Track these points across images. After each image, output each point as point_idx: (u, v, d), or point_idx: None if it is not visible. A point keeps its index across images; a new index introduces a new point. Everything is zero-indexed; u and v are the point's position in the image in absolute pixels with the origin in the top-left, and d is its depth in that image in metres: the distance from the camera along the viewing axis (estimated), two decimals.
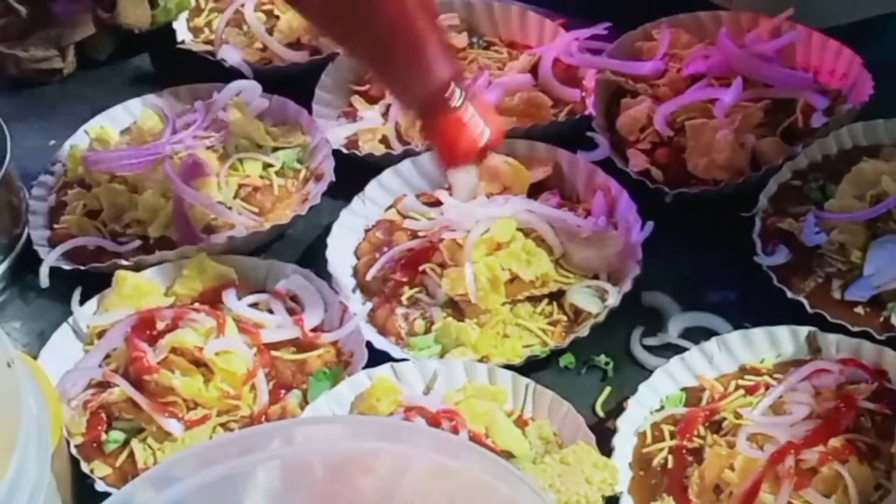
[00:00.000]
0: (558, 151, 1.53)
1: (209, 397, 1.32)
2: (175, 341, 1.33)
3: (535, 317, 1.40)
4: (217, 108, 1.61)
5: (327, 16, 1.28)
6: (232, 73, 1.71)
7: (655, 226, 1.41)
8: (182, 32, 1.82)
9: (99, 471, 1.30)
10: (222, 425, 1.32)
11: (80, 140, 1.64)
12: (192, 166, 1.54)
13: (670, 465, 1.25)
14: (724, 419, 1.26)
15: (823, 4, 1.66)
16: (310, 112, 1.64)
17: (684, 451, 1.25)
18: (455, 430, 1.24)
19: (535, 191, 1.50)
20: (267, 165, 1.59)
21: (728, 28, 1.59)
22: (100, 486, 1.28)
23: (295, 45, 1.75)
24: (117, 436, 1.32)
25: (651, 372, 1.32)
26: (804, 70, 1.58)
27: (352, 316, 1.39)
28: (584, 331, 1.36)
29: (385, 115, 1.64)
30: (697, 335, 1.38)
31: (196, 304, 1.42)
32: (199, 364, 1.34)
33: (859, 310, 1.35)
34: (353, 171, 1.55)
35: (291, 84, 1.67)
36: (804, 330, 1.32)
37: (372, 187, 1.53)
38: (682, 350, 1.34)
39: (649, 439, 1.28)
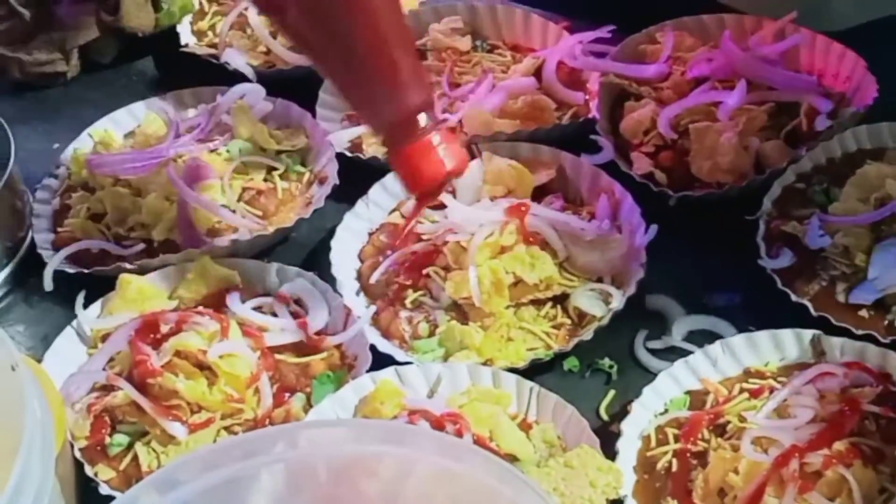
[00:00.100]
0: (562, 154, 1.53)
1: (213, 401, 1.32)
2: (179, 345, 1.33)
3: (538, 320, 1.40)
4: (221, 112, 1.61)
5: (302, 32, 1.26)
6: (235, 77, 1.71)
7: (659, 229, 1.41)
8: (186, 36, 1.82)
9: (103, 474, 1.30)
10: (226, 429, 1.32)
11: (83, 143, 1.64)
12: (196, 169, 1.54)
13: (674, 468, 1.25)
14: (729, 422, 1.26)
15: (834, 7, 1.65)
16: (313, 115, 1.64)
17: (688, 455, 1.25)
18: (459, 434, 1.24)
19: (538, 194, 1.50)
20: (271, 169, 1.59)
21: (732, 31, 1.59)
22: (103, 490, 1.28)
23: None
24: (121, 439, 1.32)
25: (655, 375, 1.32)
26: (808, 73, 1.58)
27: (356, 319, 1.39)
28: (588, 334, 1.36)
29: None
30: (701, 338, 1.38)
31: (200, 308, 1.42)
32: (203, 367, 1.34)
33: (863, 313, 1.35)
34: (357, 175, 1.55)
35: (295, 87, 1.67)
36: (808, 333, 1.32)
37: (375, 190, 1.53)
38: (687, 353, 1.34)
39: (653, 443, 1.28)
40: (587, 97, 1.62)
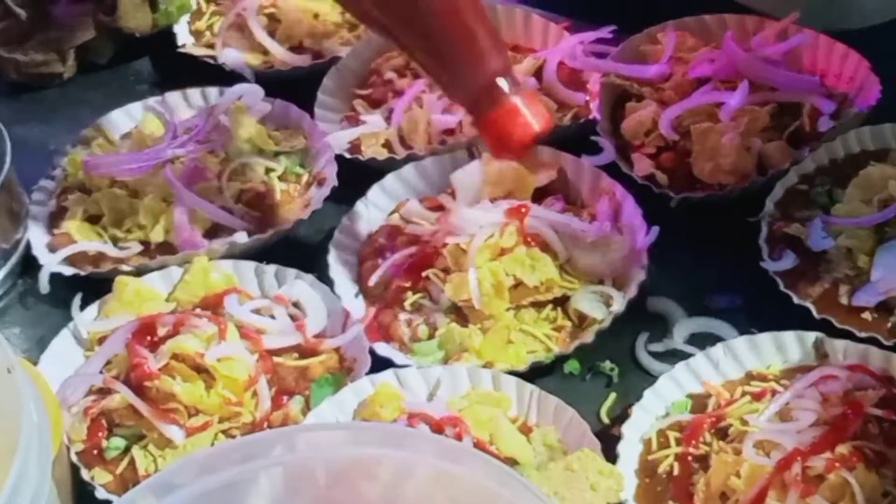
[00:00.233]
0: (563, 155, 1.52)
1: (211, 404, 1.31)
2: (176, 347, 1.33)
3: (539, 322, 1.39)
4: (218, 113, 1.61)
5: (377, 11, 1.30)
6: (233, 77, 1.71)
7: (661, 230, 1.40)
8: (183, 36, 1.82)
9: (100, 478, 1.30)
10: (224, 432, 1.32)
11: (80, 144, 1.63)
12: (194, 171, 1.53)
13: (676, 472, 1.24)
14: (731, 426, 1.25)
15: (859, 4, 1.65)
16: (312, 116, 1.64)
17: (690, 458, 1.25)
18: (459, 437, 1.24)
19: (539, 195, 1.49)
20: (269, 170, 1.58)
21: (734, 31, 1.58)
22: (100, 494, 1.28)
23: (297, 48, 1.75)
24: (118, 442, 1.32)
25: (656, 378, 1.31)
26: (811, 74, 1.58)
27: (354, 322, 1.39)
28: (588, 337, 1.36)
29: (387, 119, 1.64)
30: (703, 341, 1.37)
31: (197, 310, 1.41)
32: (201, 370, 1.33)
33: (867, 315, 1.34)
34: (356, 176, 1.55)
35: (294, 88, 1.67)
36: (811, 336, 1.31)
37: (374, 192, 1.53)
38: (688, 356, 1.33)
39: (655, 446, 1.27)
40: (588, 98, 1.62)
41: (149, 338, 1.35)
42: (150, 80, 1.82)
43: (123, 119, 1.67)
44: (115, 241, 1.53)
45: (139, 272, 1.47)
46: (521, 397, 1.31)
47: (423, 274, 1.43)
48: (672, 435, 1.27)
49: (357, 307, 1.43)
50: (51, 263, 1.50)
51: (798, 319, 1.34)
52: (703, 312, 1.42)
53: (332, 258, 1.46)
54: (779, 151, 1.49)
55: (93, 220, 1.55)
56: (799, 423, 1.22)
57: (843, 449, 1.19)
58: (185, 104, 1.67)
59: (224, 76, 1.71)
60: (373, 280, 1.45)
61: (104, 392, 1.34)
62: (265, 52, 1.75)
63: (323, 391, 1.35)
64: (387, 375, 1.33)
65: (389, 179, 1.54)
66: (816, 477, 1.17)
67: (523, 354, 1.36)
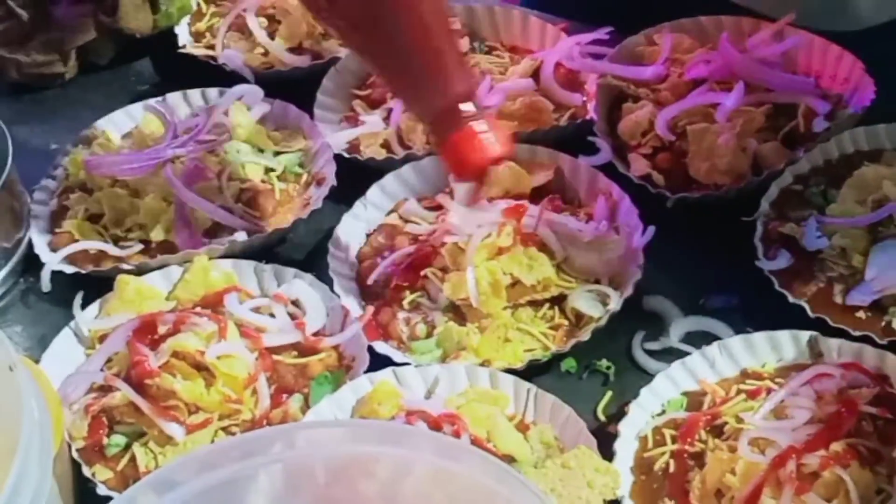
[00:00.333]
0: (560, 156, 1.53)
1: (211, 401, 1.32)
2: (177, 345, 1.33)
3: (536, 321, 1.40)
4: (218, 113, 1.61)
5: (348, 28, 1.31)
6: (233, 78, 1.71)
7: (657, 230, 1.40)
8: (183, 37, 1.82)
9: (100, 475, 1.30)
10: (224, 429, 1.32)
11: (81, 144, 1.64)
12: (194, 170, 1.54)
13: (672, 469, 1.25)
14: (726, 423, 1.26)
15: (855, 5, 1.66)
16: (311, 116, 1.64)
17: (686, 456, 1.25)
18: (457, 435, 1.24)
19: (536, 195, 1.50)
20: (268, 170, 1.59)
21: (730, 33, 1.59)
22: (101, 490, 1.28)
23: (296, 49, 1.76)
24: (119, 440, 1.32)
25: (652, 376, 1.32)
26: (806, 75, 1.58)
27: (353, 320, 1.39)
28: (585, 335, 1.36)
29: (386, 119, 1.64)
30: (699, 340, 1.38)
31: (198, 309, 1.42)
32: (201, 368, 1.34)
33: (861, 314, 1.35)
34: (355, 176, 1.55)
35: (293, 88, 1.67)
36: (805, 334, 1.32)
37: (373, 192, 1.53)
38: (684, 354, 1.34)
39: (651, 443, 1.27)
40: (585, 99, 1.62)
41: (149, 336, 1.36)
42: (150, 80, 1.82)
43: (124, 119, 1.68)
44: (115, 240, 1.53)
45: (140, 271, 1.47)
46: (519, 395, 1.32)
47: (422, 273, 1.43)
48: (668, 432, 1.28)
49: (356, 306, 1.44)
50: (52, 262, 1.50)
51: (793, 318, 1.35)
52: (698, 311, 1.42)
53: (332, 257, 1.47)
54: (774, 152, 1.49)
55: (94, 219, 1.55)
56: (794, 421, 1.23)
57: (837, 446, 1.20)
58: (185, 104, 1.68)
59: (224, 77, 1.72)
60: (371, 279, 1.45)
61: (105, 390, 1.34)
62: (265, 52, 1.76)
63: (322, 389, 1.35)
64: (385, 373, 1.33)
65: (388, 179, 1.54)
66: (811, 474, 1.18)
67: (520, 353, 1.37)
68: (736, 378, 1.32)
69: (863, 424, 1.23)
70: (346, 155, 1.60)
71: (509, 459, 1.24)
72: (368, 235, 1.52)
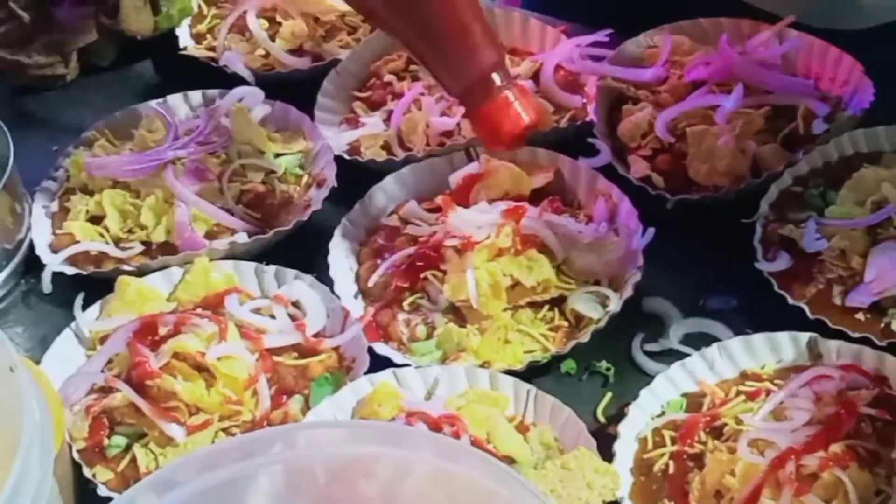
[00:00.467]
0: (560, 157, 1.53)
1: (211, 402, 1.32)
2: (177, 346, 1.34)
3: (536, 323, 1.40)
4: (219, 115, 1.61)
5: (378, 6, 1.33)
6: (234, 80, 1.71)
7: (657, 232, 1.41)
8: (184, 39, 1.82)
9: (101, 475, 1.30)
10: (224, 430, 1.32)
11: (82, 146, 1.64)
12: (195, 172, 1.54)
13: (671, 470, 1.25)
14: (725, 425, 1.26)
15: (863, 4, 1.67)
16: (312, 118, 1.64)
17: (685, 457, 1.25)
18: (456, 436, 1.24)
19: (536, 197, 1.50)
20: (269, 171, 1.59)
21: (729, 35, 1.59)
22: (102, 491, 1.29)
23: (297, 51, 1.76)
24: (119, 440, 1.32)
25: (652, 378, 1.32)
26: (805, 77, 1.58)
27: (353, 321, 1.40)
28: (585, 336, 1.36)
29: (387, 121, 1.64)
30: (698, 341, 1.38)
31: (198, 310, 1.42)
32: (202, 369, 1.34)
33: (860, 316, 1.35)
34: (355, 177, 1.56)
35: (294, 90, 1.67)
36: (805, 336, 1.32)
37: (373, 193, 1.54)
38: (684, 356, 1.34)
39: (650, 445, 1.28)
40: (585, 100, 1.62)
41: (150, 337, 1.36)
42: (151, 82, 1.83)
43: (125, 120, 1.68)
44: (116, 241, 1.53)
45: (141, 272, 1.47)
46: (519, 396, 1.32)
47: (422, 274, 1.44)
48: (667, 434, 1.28)
49: (356, 307, 1.44)
50: (53, 263, 1.51)
51: (792, 320, 1.35)
52: (698, 313, 1.42)
53: (332, 258, 1.47)
54: (773, 154, 1.50)
55: (95, 220, 1.55)
56: (793, 423, 1.23)
57: (836, 448, 1.20)
58: (186, 106, 1.68)
59: (225, 78, 1.72)
60: (372, 280, 1.46)
61: (106, 391, 1.35)
62: (265, 54, 1.76)
63: (322, 390, 1.35)
64: (385, 375, 1.33)
65: (388, 181, 1.55)
66: (810, 475, 1.18)
67: (520, 354, 1.37)
68: (735, 379, 1.32)
69: (862, 426, 1.23)
70: (346, 156, 1.60)
71: (509, 460, 1.25)
72: (368, 237, 1.52)
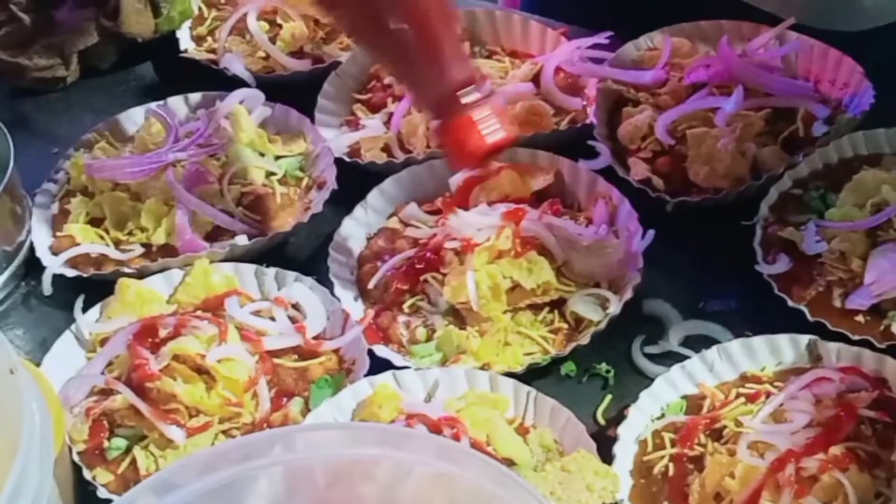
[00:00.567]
0: (560, 160, 1.53)
1: (211, 404, 1.32)
2: (177, 349, 1.34)
3: (536, 325, 1.40)
4: (220, 117, 1.61)
5: (350, 17, 1.33)
6: (235, 82, 1.71)
7: (656, 234, 1.41)
8: (185, 41, 1.82)
9: (101, 478, 1.30)
10: (224, 432, 1.33)
11: (83, 148, 1.64)
12: (195, 174, 1.54)
13: (671, 472, 1.25)
14: (725, 427, 1.26)
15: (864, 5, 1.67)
16: (312, 121, 1.64)
17: (685, 459, 1.26)
18: (456, 438, 1.24)
19: (536, 199, 1.50)
20: (269, 174, 1.59)
21: (729, 37, 1.59)
22: (102, 493, 1.29)
23: (297, 53, 1.76)
24: (119, 443, 1.33)
25: (652, 380, 1.32)
26: (805, 79, 1.59)
27: (353, 324, 1.40)
28: (585, 339, 1.37)
29: (387, 123, 1.64)
30: (698, 343, 1.38)
31: (198, 312, 1.42)
32: (202, 371, 1.34)
33: (860, 318, 1.35)
34: (355, 180, 1.56)
35: (294, 92, 1.67)
36: (805, 338, 1.32)
37: (373, 195, 1.54)
38: (683, 358, 1.34)
39: (650, 447, 1.28)
40: (585, 103, 1.62)
41: (150, 339, 1.36)
42: (152, 84, 1.83)
43: (126, 123, 1.68)
44: (117, 243, 1.54)
45: (141, 274, 1.47)
46: (518, 399, 1.32)
47: (422, 277, 1.44)
48: (667, 436, 1.28)
49: (356, 309, 1.44)
50: (54, 266, 1.51)
51: (792, 322, 1.35)
52: (698, 315, 1.43)
53: (332, 261, 1.47)
54: (773, 156, 1.50)
55: (95, 222, 1.56)
56: (792, 425, 1.23)
57: (836, 450, 1.20)
58: (186, 108, 1.68)
59: (225, 81, 1.72)
60: (372, 283, 1.46)
61: (106, 393, 1.35)
62: (266, 56, 1.76)
63: (322, 392, 1.35)
64: (385, 377, 1.34)
65: (388, 183, 1.55)
66: (810, 478, 1.18)
67: (520, 356, 1.37)
68: (735, 382, 1.32)
69: (861, 428, 1.23)
70: (346, 159, 1.60)
71: (509, 463, 1.25)
72: (369, 239, 1.52)
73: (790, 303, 1.37)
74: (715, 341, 1.36)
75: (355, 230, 1.52)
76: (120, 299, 1.44)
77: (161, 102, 1.67)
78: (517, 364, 1.36)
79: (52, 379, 1.34)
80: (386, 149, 1.62)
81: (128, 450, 1.32)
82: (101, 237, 1.54)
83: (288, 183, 1.59)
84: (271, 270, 1.47)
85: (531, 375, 1.35)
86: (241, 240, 1.50)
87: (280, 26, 1.79)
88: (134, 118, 1.68)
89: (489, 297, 1.38)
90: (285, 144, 1.63)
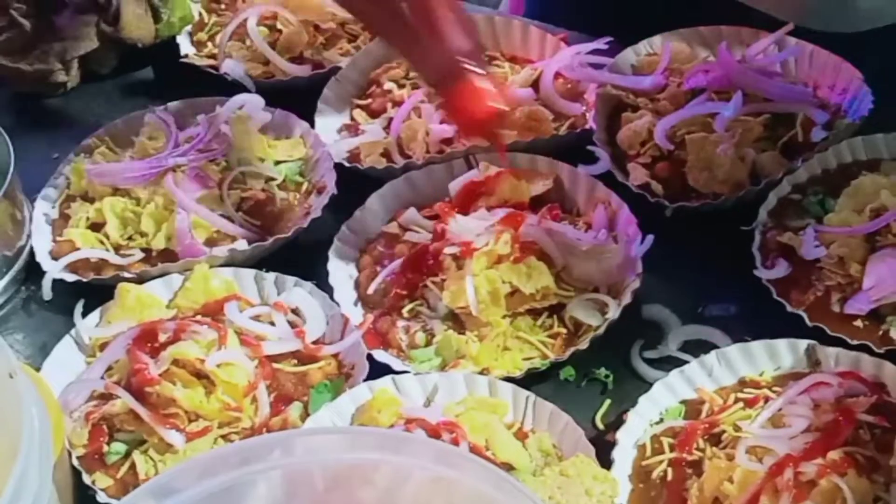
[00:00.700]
0: (559, 165, 1.53)
1: (210, 409, 1.32)
2: (177, 353, 1.34)
3: (535, 330, 1.40)
4: (220, 122, 1.61)
5: None
6: (235, 87, 1.72)
7: (655, 239, 1.41)
8: (185, 46, 1.82)
9: (100, 482, 1.31)
10: (223, 437, 1.33)
11: (83, 153, 1.65)
12: (195, 179, 1.54)
13: (670, 477, 1.25)
14: (724, 432, 1.26)
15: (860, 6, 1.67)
16: (312, 126, 1.65)
17: (684, 464, 1.26)
18: (455, 442, 1.25)
19: (535, 204, 1.50)
20: (269, 179, 1.59)
21: (728, 42, 1.59)
22: (101, 498, 1.29)
23: (297, 59, 1.76)
24: (119, 447, 1.33)
25: (651, 385, 1.32)
26: (804, 85, 1.59)
27: (353, 328, 1.40)
28: (584, 343, 1.37)
29: (387, 128, 1.65)
30: (697, 348, 1.38)
31: (198, 317, 1.42)
32: (201, 376, 1.34)
33: (858, 323, 1.35)
34: (355, 185, 1.56)
35: (294, 97, 1.68)
36: (803, 343, 1.33)
37: (373, 200, 1.54)
38: (682, 363, 1.34)
39: (649, 452, 1.28)
40: (584, 108, 1.63)
41: (150, 344, 1.36)
42: (152, 89, 1.82)
43: (126, 128, 1.68)
44: (117, 248, 1.54)
45: (141, 279, 1.48)
46: (517, 403, 1.32)
47: (421, 282, 1.44)
48: (666, 441, 1.28)
49: (355, 314, 1.44)
50: (53, 270, 1.51)
51: (791, 327, 1.35)
52: (697, 320, 1.43)
53: (332, 266, 1.47)
54: (772, 161, 1.50)
55: (95, 227, 1.56)
56: (791, 430, 1.24)
57: (834, 455, 1.20)
58: (186, 113, 1.67)
59: (225, 86, 1.72)
60: (371, 287, 1.46)
61: (105, 397, 1.35)
62: (266, 62, 1.76)
63: (321, 397, 1.36)
64: (385, 381, 1.34)
65: (388, 188, 1.55)
66: (808, 482, 1.18)
67: (519, 361, 1.37)
68: (734, 386, 1.32)
69: (860, 433, 1.23)
70: (346, 164, 1.61)
71: (508, 467, 1.25)
72: (368, 244, 1.53)
73: (789, 308, 1.37)
74: (714, 346, 1.36)
75: (355, 235, 1.52)
76: (120, 304, 1.44)
77: (161, 107, 1.68)
78: (516, 369, 1.36)
79: (51, 383, 1.34)
80: (385, 154, 1.63)
81: (127, 454, 1.32)
82: (102, 242, 1.54)
83: (288, 188, 1.59)
84: (271, 275, 1.47)
85: (530, 380, 1.36)
86: (241, 245, 1.51)
87: (280, 31, 1.79)
88: (134, 123, 1.68)
89: (488, 301, 1.38)
90: (285, 149, 1.63)
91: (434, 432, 1.26)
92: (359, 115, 1.69)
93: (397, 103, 1.66)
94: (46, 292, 1.51)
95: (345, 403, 1.32)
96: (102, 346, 1.41)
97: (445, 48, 1.29)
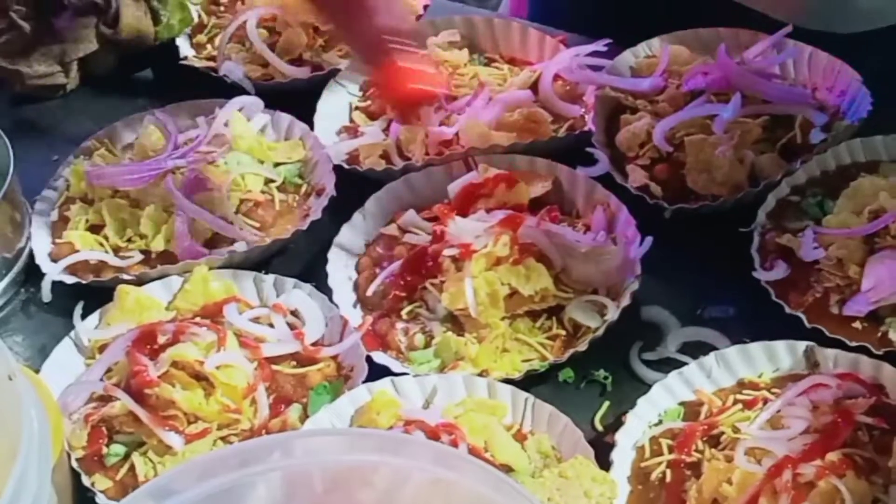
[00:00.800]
0: (558, 167, 1.53)
1: (210, 411, 1.32)
2: (176, 355, 1.34)
3: (534, 331, 1.40)
4: (219, 124, 1.62)
5: None
6: (234, 89, 1.72)
7: (654, 241, 1.41)
8: (184, 48, 1.83)
9: (100, 484, 1.31)
10: (223, 439, 1.33)
11: (82, 155, 1.65)
12: (194, 181, 1.54)
13: (668, 479, 1.26)
14: (723, 433, 1.27)
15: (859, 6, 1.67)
16: (311, 127, 1.65)
17: (682, 466, 1.26)
18: (454, 444, 1.25)
19: (534, 206, 1.50)
20: (268, 180, 1.59)
21: (727, 44, 1.59)
22: (100, 500, 1.29)
23: (297, 61, 1.76)
24: (118, 449, 1.33)
25: (650, 386, 1.32)
26: (803, 86, 1.59)
27: (352, 330, 1.40)
28: (582, 345, 1.37)
29: (386, 130, 1.65)
30: (696, 350, 1.38)
31: (197, 319, 1.42)
32: (200, 378, 1.34)
33: (857, 325, 1.35)
34: (354, 187, 1.56)
35: (293, 100, 1.68)
36: (802, 345, 1.33)
37: (372, 202, 1.54)
38: (681, 364, 1.35)
39: (648, 453, 1.28)
40: (583, 110, 1.63)
41: (149, 346, 1.37)
42: (151, 91, 1.82)
43: (125, 130, 1.68)
44: (116, 250, 1.54)
45: (140, 281, 1.48)
46: (516, 405, 1.32)
47: (421, 285, 1.44)
48: (665, 442, 1.28)
49: (355, 316, 1.44)
50: (53, 272, 1.51)
51: (789, 329, 1.35)
52: (695, 322, 1.43)
53: (331, 268, 1.47)
54: (771, 163, 1.50)
55: (95, 229, 1.56)
56: (790, 431, 1.24)
57: (833, 456, 1.20)
58: (186, 115, 1.68)
59: (224, 88, 1.72)
60: (370, 289, 1.46)
61: (105, 399, 1.35)
62: (265, 64, 1.76)
63: (321, 399, 1.36)
64: (384, 383, 1.34)
65: (387, 190, 1.55)
66: (807, 484, 1.19)
67: (518, 363, 1.37)
68: (732, 388, 1.32)
69: (859, 434, 1.23)
70: (345, 166, 1.61)
71: (507, 469, 1.25)
72: (367, 246, 1.53)
73: (788, 309, 1.37)
74: (712, 348, 1.37)
75: (354, 237, 1.52)
76: (119, 306, 1.45)
77: (160, 109, 1.67)
78: (515, 370, 1.36)
79: (51, 385, 1.34)
80: (385, 156, 1.63)
81: (126, 456, 1.32)
82: (101, 244, 1.54)
83: (287, 190, 1.59)
84: (270, 277, 1.47)
85: (529, 382, 1.36)
86: (240, 246, 1.50)
87: (279, 34, 1.79)
88: (133, 125, 1.68)
89: (487, 303, 1.38)
90: (284, 151, 1.63)
91: (433, 434, 1.26)
92: (358, 117, 1.69)
93: None
94: (46, 294, 1.51)
95: (344, 405, 1.32)
96: (102, 348, 1.41)
97: (374, 25, 1.31)
